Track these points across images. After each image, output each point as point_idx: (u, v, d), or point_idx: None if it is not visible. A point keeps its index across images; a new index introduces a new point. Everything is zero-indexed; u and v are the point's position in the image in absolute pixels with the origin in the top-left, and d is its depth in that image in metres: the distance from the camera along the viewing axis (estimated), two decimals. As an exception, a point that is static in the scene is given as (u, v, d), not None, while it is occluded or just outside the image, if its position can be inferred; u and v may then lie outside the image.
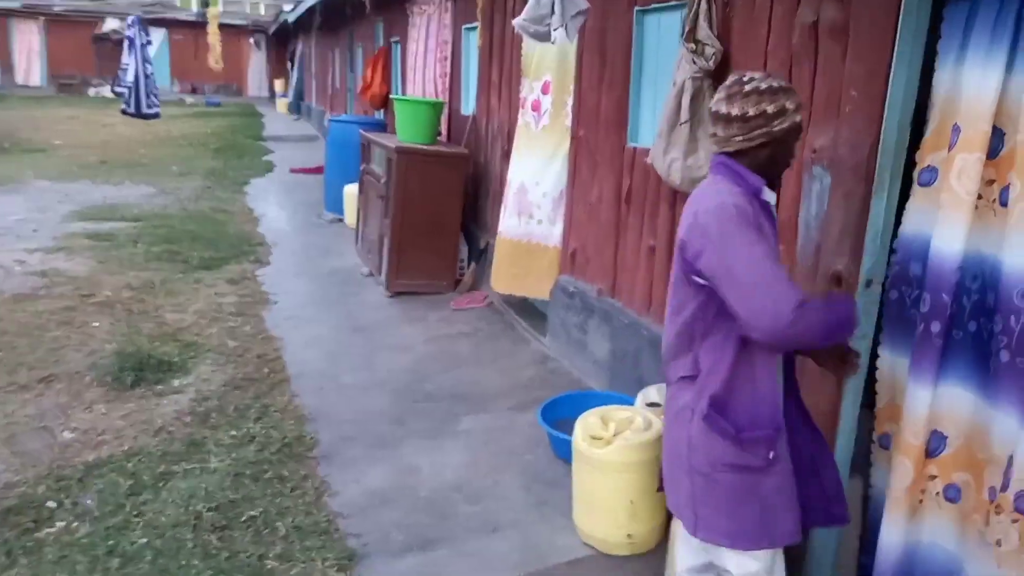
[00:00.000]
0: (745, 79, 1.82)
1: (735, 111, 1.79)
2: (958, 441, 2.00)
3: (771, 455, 1.82)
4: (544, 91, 4.84)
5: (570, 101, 4.52)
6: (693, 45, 3.01)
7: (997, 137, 1.84)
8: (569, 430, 2.97)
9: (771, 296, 1.63)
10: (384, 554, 2.76)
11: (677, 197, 3.50)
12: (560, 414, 3.66)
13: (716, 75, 3.10)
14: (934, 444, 2.03)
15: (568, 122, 4.56)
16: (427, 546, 2.81)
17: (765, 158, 1.82)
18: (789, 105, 1.77)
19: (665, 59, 3.60)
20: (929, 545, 2.10)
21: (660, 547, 2.77)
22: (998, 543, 1.88)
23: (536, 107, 4.99)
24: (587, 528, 2.82)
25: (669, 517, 2.79)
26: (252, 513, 2.92)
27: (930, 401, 1.99)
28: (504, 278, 5.22)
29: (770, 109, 1.76)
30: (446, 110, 6.79)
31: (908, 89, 2.27)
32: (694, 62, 3.03)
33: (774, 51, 2.84)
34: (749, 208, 1.76)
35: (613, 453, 2.69)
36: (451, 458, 3.47)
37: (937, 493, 2.06)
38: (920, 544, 2.12)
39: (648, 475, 2.70)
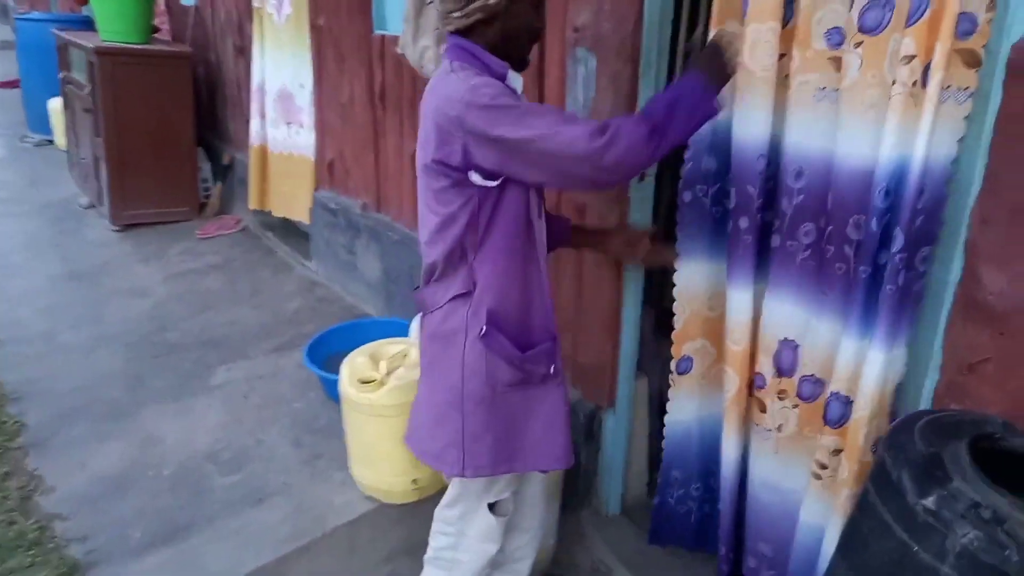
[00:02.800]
0: None
1: None
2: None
3: (552, 368, 1.67)
4: None
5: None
6: (432, -95, 2.53)
7: (789, 2, 1.62)
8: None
9: (574, 140, 1.40)
10: (120, 557, 2.25)
11: (435, 92, 3.08)
12: (333, 348, 3.24)
13: (463, -56, 2.66)
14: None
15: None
16: (176, 536, 2.33)
17: (496, 36, 1.54)
18: None
19: (405, -73, 3.07)
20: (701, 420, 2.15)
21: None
22: (779, 428, 1.84)
23: None
24: (367, 480, 2.49)
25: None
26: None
27: (751, 302, 1.85)
28: (269, 197, 4.55)
29: None
30: (162, 1, 5.68)
31: (670, -48, 2.01)
32: (435, -73, 2.55)
33: (524, -88, 2.44)
34: (501, 84, 1.51)
35: (387, 395, 2.34)
36: (203, 420, 2.94)
37: (691, 361, 2.09)
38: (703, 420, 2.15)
39: (429, 413, 2.41)
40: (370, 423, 2.40)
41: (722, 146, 1.84)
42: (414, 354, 2.49)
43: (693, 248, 1.97)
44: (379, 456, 2.43)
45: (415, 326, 2.76)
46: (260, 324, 3.75)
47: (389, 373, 2.41)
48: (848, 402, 1.56)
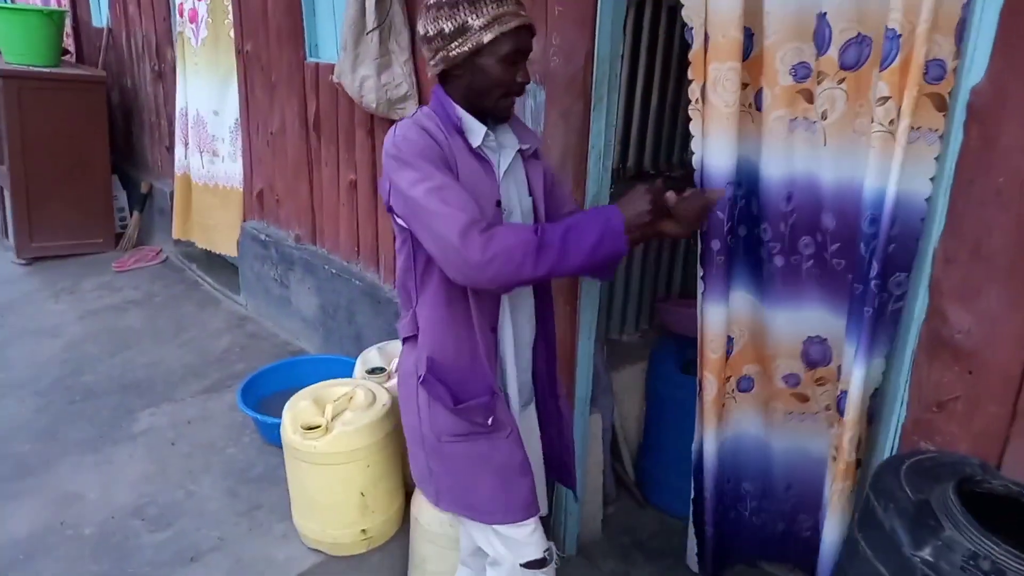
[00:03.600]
0: None
1: (420, 29, 1.48)
2: (742, 340, 1.97)
3: (490, 420, 1.59)
4: None
5: (230, 7, 3.70)
6: (373, -67, 2.46)
7: (747, 37, 1.65)
8: (280, 407, 2.42)
9: (449, 225, 1.33)
10: (36, 634, 2.04)
11: (376, 121, 2.99)
12: (268, 389, 3.10)
13: (404, -28, 2.60)
14: (727, 348, 1.99)
15: (232, 33, 3.75)
16: (100, 606, 2.14)
17: (464, 87, 1.47)
18: (474, 21, 1.39)
19: (341, -47, 2.99)
20: (735, 437, 2.10)
21: (400, 533, 2.41)
22: (827, 408, 1.90)
23: (193, 16, 4.06)
24: (312, 532, 2.34)
25: (407, 498, 2.43)
26: None
27: (725, 313, 1.90)
28: (193, 228, 4.35)
29: (447, 27, 1.41)
30: (70, 22, 5.38)
31: (620, -12, 2.00)
32: (376, -45, 2.49)
33: (469, -58, 2.40)
34: (428, 140, 1.42)
35: (334, 442, 2.22)
36: (126, 472, 2.72)
37: (732, 390, 2.05)
38: (727, 439, 2.11)
39: (379, 459, 2.29)
40: (316, 472, 2.26)
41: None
42: (360, 396, 2.37)
43: (739, 279, 1.99)
44: (325, 506, 2.29)
45: (360, 365, 2.65)
46: (186, 364, 3.53)
47: (335, 418, 2.28)
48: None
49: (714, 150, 1.73)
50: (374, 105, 2.76)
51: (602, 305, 2.83)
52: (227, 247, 4.16)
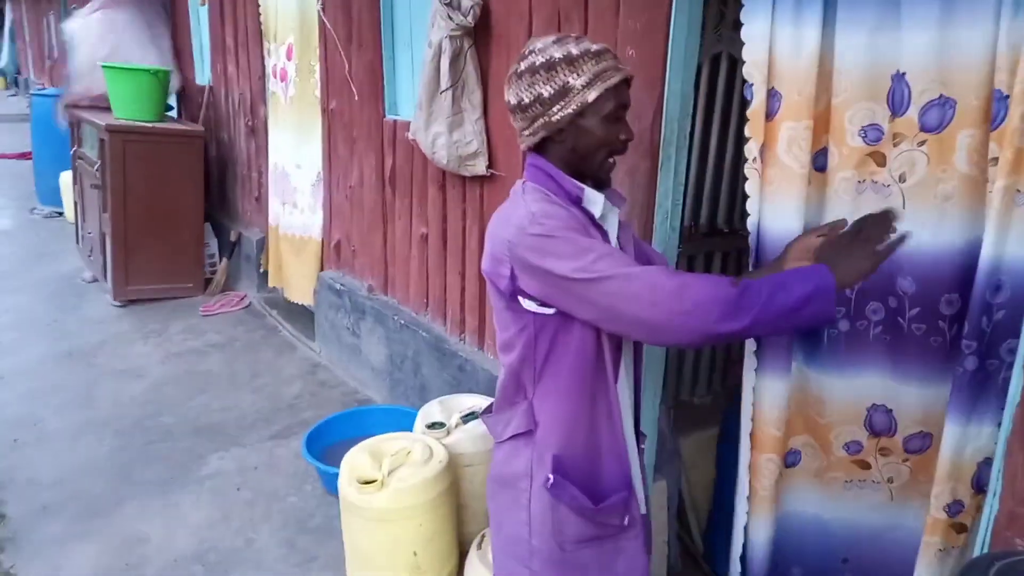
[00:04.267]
0: (527, 51, 1.37)
1: (512, 99, 1.38)
2: (790, 412, 1.85)
3: (626, 520, 1.45)
4: (288, 56, 4.14)
5: (318, 67, 3.87)
6: (448, -4, 2.53)
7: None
8: (344, 457, 2.41)
9: (638, 286, 1.24)
10: (90, 677, 2.06)
11: (447, 177, 3.03)
12: (333, 438, 3.10)
13: (478, 32, 2.65)
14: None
15: (318, 92, 3.91)
16: (153, 653, 2.15)
17: (567, 152, 1.38)
18: (575, 81, 1.31)
19: (420, 14, 3.09)
20: (783, 517, 1.96)
21: (453, 596, 2.34)
22: (889, 480, 1.82)
23: (283, 76, 4.27)
24: (364, 590, 2.30)
25: (462, 558, 2.37)
26: None
27: (787, 388, 1.79)
28: (279, 276, 4.50)
29: (546, 92, 1.33)
30: (176, 80, 5.75)
31: (689, 46, 1.97)
32: (450, 17, 2.55)
33: (539, 3, 2.44)
34: (567, 212, 1.35)
35: (387, 499, 2.19)
36: (191, 516, 2.77)
37: (776, 466, 1.91)
38: (774, 521, 1.97)
39: (433, 518, 2.25)
40: (369, 528, 2.23)
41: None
42: (418, 451, 2.34)
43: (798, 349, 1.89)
44: (377, 564, 2.25)
45: (420, 420, 2.63)
46: (257, 410, 3.60)
47: (391, 473, 2.25)
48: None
49: (778, 212, 1.66)
50: (445, 161, 2.79)
51: (671, 364, 2.74)
52: (302, 295, 4.27)
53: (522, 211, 1.33)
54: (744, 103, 1.72)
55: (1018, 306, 1.40)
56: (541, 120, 1.35)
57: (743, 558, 1.94)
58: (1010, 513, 1.35)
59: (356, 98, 3.58)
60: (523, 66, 1.36)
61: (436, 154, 2.82)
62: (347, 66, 3.58)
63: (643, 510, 1.54)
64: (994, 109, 1.33)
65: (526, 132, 1.39)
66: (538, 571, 1.44)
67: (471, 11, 2.55)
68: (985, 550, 1.38)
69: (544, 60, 1.33)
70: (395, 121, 3.36)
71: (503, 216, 1.38)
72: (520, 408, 1.43)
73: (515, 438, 1.45)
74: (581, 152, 1.37)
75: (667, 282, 1.22)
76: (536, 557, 1.44)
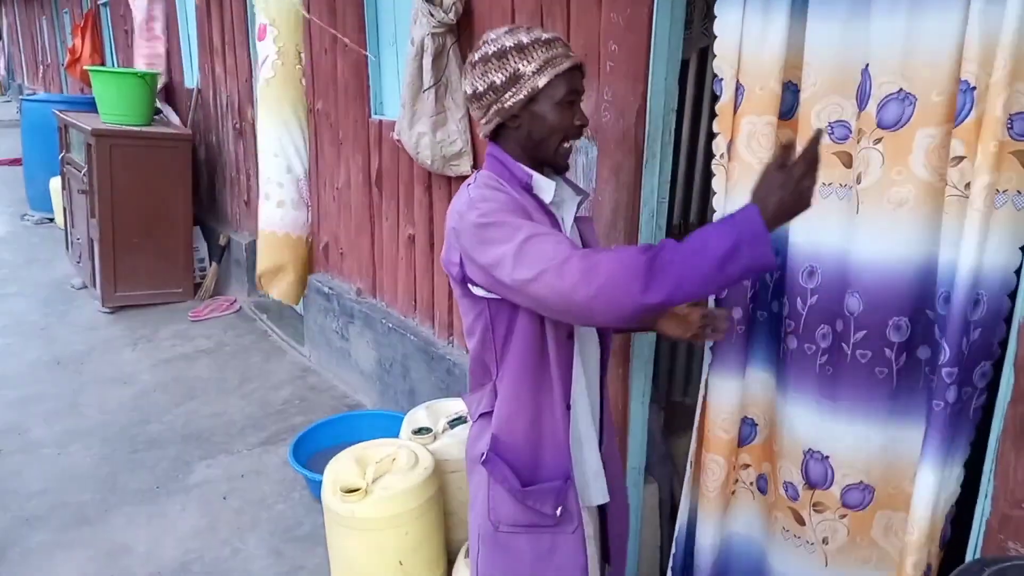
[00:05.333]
0: (481, 42, 1.40)
1: (468, 88, 1.41)
2: (766, 430, 1.79)
3: (558, 511, 1.43)
4: (260, 36, 3.90)
5: (303, 63, 3.78)
6: (429, -6, 2.48)
7: (791, 93, 1.52)
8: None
9: (550, 272, 1.19)
10: None
11: (433, 178, 2.99)
12: (321, 443, 3.06)
13: (461, 29, 2.61)
14: (745, 432, 1.81)
15: (303, 80, 3.80)
16: (135, 667, 2.10)
17: (523, 138, 1.40)
18: (525, 67, 1.33)
19: (404, 12, 3.04)
20: (744, 538, 1.90)
21: (441, 605, 2.30)
22: (824, 541, 1.67)
23: (262, 34, 3.99)
24: (350, 600, 2.26)
25: (449, 567, 2.33)
26: None
27: (740, 390, 1.74)
28: (267, 278, 4.29)
29: (499, 79, 1.35)
30: (164, 83, 5.71)
31: (673, 40, 1.93)
32: (432, 15, 2.50)
33: (522, 0, 2.39)
34: (507, 195, 1.35)
35: (373, 508, 2.14)
36: (177, 525, 2.72)
37: (751, 483, 1.85)
38: (733, 536, 1.92)
39: (419, 526, 2.20)
40: (354, 536, 2.19)
41: None
42: (403, 457, 2.30)
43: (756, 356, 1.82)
44: (363, 573, 2.21)
45: (407, 425, 2.59)
46: (247, 415, 3.56)
47: (375, 480, 2.21)
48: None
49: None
50: (429, 161, 2.75)
51: (661, 364, 2.70)
52: (284, 294, 4.02)
53: (464, 197, 1.36)
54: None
55: (992, 324, 1.27)
56: (495, 107, 1.37)
57: (688, 568, 1.89)
58: (1003, 516, 1.30)
59: (342, 98, 3.53)
60: (477, 56, 1.38)
61: (420, 154, 2.77)
62: (333, 65, 3.53)
63: (593, 502, 1.53)
64: (959, 102, 1.20)
65: (483, 120, 1.41)
66: (483, 551, 1.47)
67: (453, 8, 2.51)
68: (977, 554, 1.34)
69: (496, 49, 1.35)
70: (381, 121, 3.31)
71: (452, 205, 1.40)
72: (487, 389, 1.46)
73: (482, 417, 1.49)
74: (536, 138, 1.39)
75: (580, 263, 1.17)
76: (483, 537, 1.47)
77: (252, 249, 4.93)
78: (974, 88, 1.19)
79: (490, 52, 1.35)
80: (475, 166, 2.70)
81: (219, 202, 5.41)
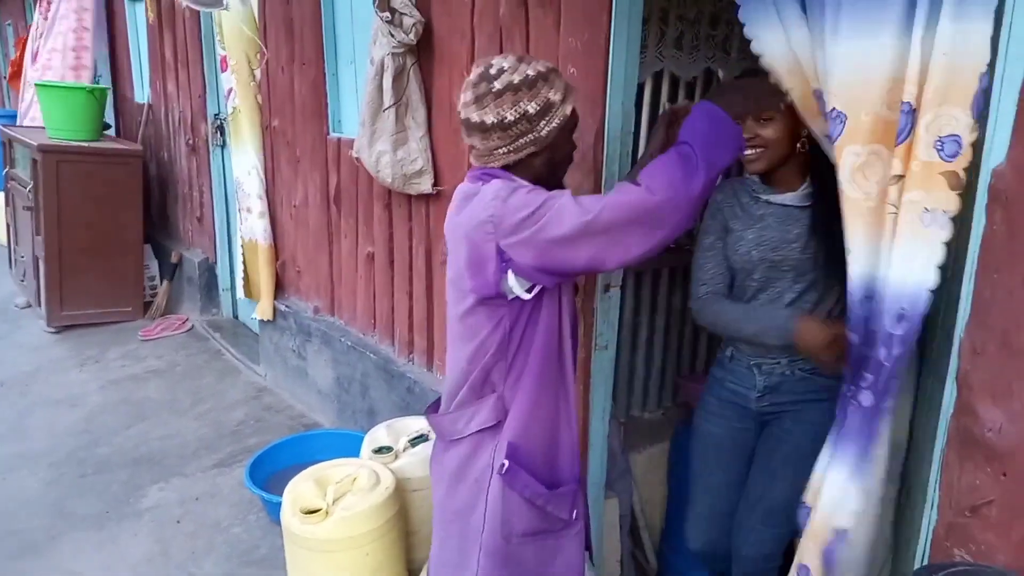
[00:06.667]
0: (493, 71, 1.39)
1: (490, 118, 1.37)
2: None
3: (574, 513, 1.49)
4: (223, 68, 3.97)
5: (257, 74, 3.76)
6: (388, 14, 2.50)
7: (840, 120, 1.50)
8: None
9: (622, 199, 1.33)
10: None
11: (392, 196, 2.99)
12: (278, 464, 3.01)
13: (421, 50, 2.63)
14: None
15: (257, 96, 3.79)
16: None
17: (543, 166, 1.43)
18: (554, 96, 1.37)
19: (363, 31, 3.05)
20: None
21: (403, 626, 2.28)
22: None
23: (224, 65, 4.06)
24: (310, 624, 2.23)
25: (411, 587, 2.31)
26: None
27: None
28: (248, 286, 4.15)
29: (532, 108, 1.36)
30: (113, 98, 5.60)
31: (630, 64, 1.97)
32: (392, 35, 2.52)
33: (481, 22, 2.43)
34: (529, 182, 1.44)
35: (332, 529, 2.12)
36: (129, 552, 2.65)
37: None
38: None
39: (381, 547, 2.19)
40: (314, 559, 2.16)
41: None
42: (364, 477, 2.29)
43: None
44: (323, 597, 2.18)
45: (367, 444, 2.57)
46: (200, 437, 3.48)
47: (335, 501, 2.19)
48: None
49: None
50: (390, 180, 2.76)
51: (621, 381, 2.74)
52: (263, 309, 3.98)
53: (491, 191, 1.37)
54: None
55: (910, 342, 1.31)
56: (529, 136, 1.37)
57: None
58: (948, 524, 1.36)
59: (299, 115, 3.52)
60: (498, 85, 1.36)
61: (381, 172, 2.78)
62: (290, 83, 3.52)
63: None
64: (900, 123, 1.24)
65: (502, 150, 1.39)
66: (489, 567, 1.46)
67: (413, 28, 2.53)
68: (925, 562, 1.40)
69: (522, 78, 1.36)
70: (339, 139, 3.31)
71: (471, 209, 1.40)
72: (487, 402, 1.45)
73: (480, 432, 1.46)
74: (555, 163, 1.44)
75: (628, 182, 1.35)
76: (483, 552, 1.46)
77: (205, 267, 4.85)
78: (915, 110, 1.22)
79: (517, 81, 1.35)
80: (436, 184, 2.72)
81: (171, 219, 5.32)
